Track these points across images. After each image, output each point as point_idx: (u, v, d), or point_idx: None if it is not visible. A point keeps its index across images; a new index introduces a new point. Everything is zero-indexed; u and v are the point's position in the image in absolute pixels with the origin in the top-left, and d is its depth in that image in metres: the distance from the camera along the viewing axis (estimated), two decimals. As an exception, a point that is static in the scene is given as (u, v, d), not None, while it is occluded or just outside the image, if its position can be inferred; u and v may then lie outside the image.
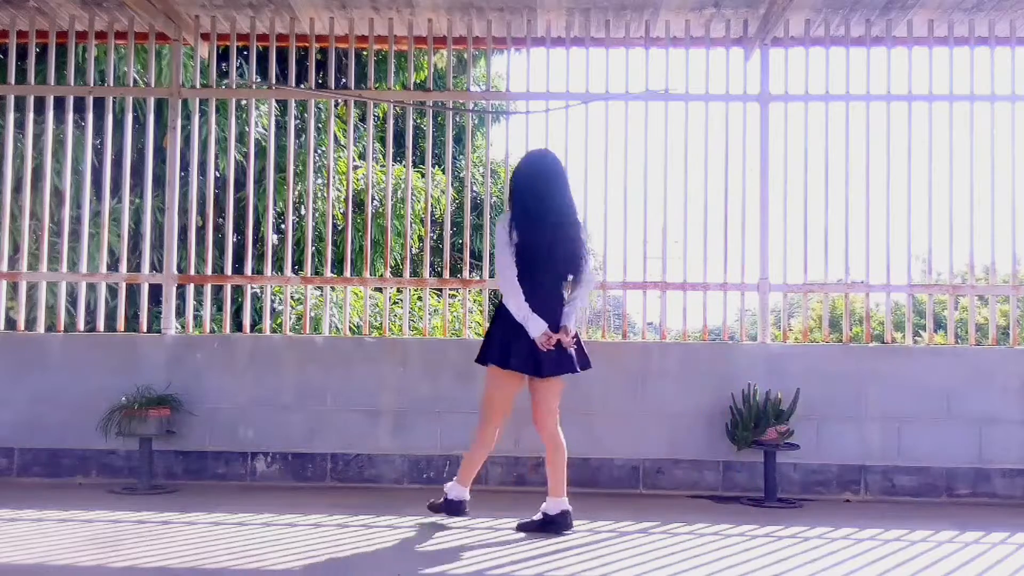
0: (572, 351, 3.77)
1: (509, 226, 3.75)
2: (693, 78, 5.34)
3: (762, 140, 5.28)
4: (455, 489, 3.95)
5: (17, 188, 5.78)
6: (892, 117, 5.26)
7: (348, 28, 5.40)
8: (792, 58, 5.42)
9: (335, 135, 7.54)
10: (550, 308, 3.76)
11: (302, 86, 5.67)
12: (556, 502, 3.76)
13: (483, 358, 3.84)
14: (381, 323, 6.91)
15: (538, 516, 3.80)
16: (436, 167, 9.30)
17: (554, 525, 3.75)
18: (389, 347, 5.10)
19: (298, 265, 7.49)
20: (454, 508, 3.94)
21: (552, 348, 3.70)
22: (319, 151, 8.33)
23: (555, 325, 3.74)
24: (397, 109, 6.96)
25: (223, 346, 5.12)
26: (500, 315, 3.81)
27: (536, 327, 3.69)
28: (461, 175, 8.64)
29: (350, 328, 6.81)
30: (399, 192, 8.69)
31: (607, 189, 5.32)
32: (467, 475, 3.94)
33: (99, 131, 5.98)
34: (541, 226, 3.73)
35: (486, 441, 3.88)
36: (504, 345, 3.75)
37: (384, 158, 7.03)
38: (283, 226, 7.34)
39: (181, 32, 5.36)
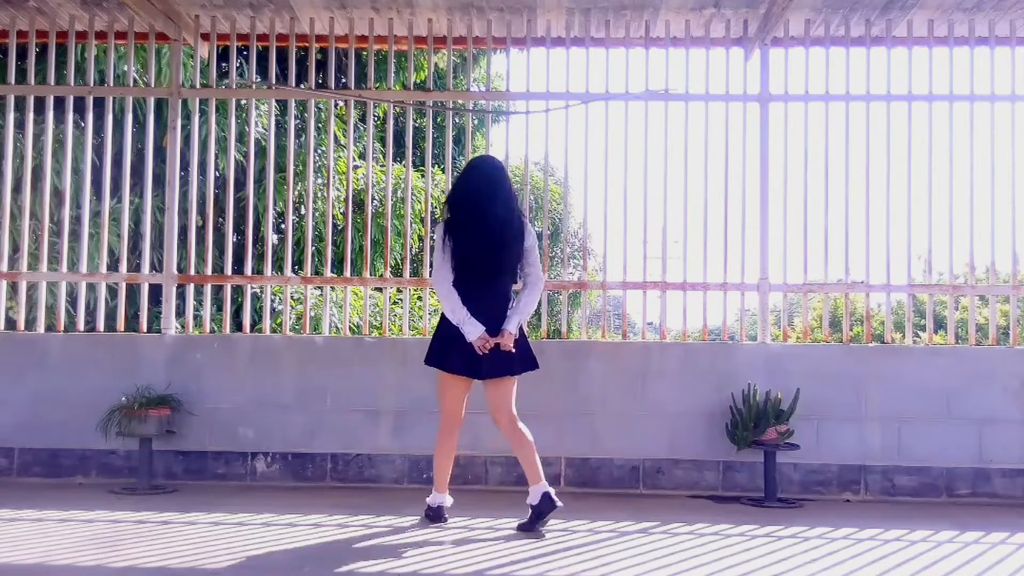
0: (513, 352, 3.79)
1: (444, 234, 3.81)
2: (693, 78, 5.35)
3: (762, 140, 5.28)
4: (434, 497, 4.01)
5: (17, 188, 5.78)
6: (892, 117, 5.26)
7: (348, 28, 5.40)
8: (792, 58, 5.42)
9: (335, 135, 7.54)
10: (493, 311, 3.80)
11: (302, 86, 5.67)
12: (536, 489, 3.79)
13: (427, 359, 3.91)
14: (381, 323, 6.92)
15: (530, 513, 3.83)
16: (436, 167, 9.30)
17: (543, 512, 3.78)
18: (389, 347, 5.10)
19: (298, 265, 7.49)
20: (434, 515, 3.99)
21: (487, 352, 3.74)
22: (319, 151, 8.33)
23: (498, 328, 3.78)
24: (397, 109, 6.96)
25: (223, 346, 5.12)
26: (443, 319, 3.88)
27: (472, 331, 3.74)
28: (461, 175, 8.62)
29: (350, 328, 6.80)
30: (399, 192, 8.69)
31: (607, 189, 5.33)
32: (441, 482, 3.99)
33: (99, 131, 5.99)
34: (475, 232, 3.76)
35: (445, 446, 3.94)
36: (444, 348, 3.83)
37: (384, 158, 7.04)
38: (283, 226, 7.34)
39: (181, 32, 5.36)
